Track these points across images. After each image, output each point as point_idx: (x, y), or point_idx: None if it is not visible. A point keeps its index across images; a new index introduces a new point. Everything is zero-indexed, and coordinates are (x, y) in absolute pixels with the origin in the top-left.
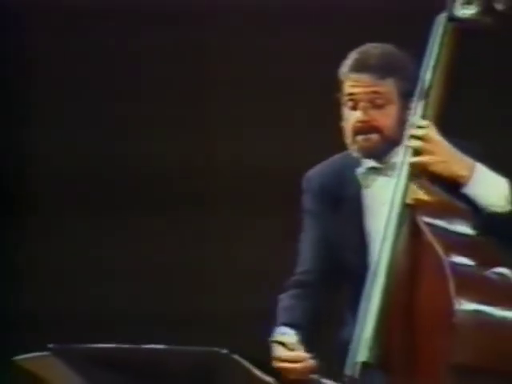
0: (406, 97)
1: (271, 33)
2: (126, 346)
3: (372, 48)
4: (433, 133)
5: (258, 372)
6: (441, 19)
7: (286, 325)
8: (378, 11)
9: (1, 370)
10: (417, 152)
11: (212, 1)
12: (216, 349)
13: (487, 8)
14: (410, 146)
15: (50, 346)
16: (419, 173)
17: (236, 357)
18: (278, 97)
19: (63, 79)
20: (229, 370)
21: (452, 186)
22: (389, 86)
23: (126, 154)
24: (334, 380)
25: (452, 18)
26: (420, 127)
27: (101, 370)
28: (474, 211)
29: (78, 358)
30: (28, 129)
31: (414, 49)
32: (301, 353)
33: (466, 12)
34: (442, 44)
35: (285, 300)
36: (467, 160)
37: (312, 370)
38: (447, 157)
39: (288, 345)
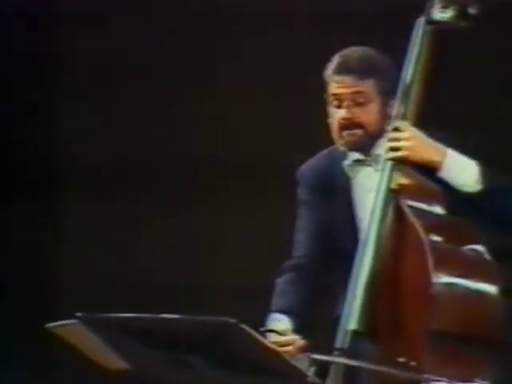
0: (385, 94)
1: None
2: (146, 315)
3: (352, 52)
4: (407, 129)
5: (263, 340)
6: (420, 22)
7: (279, 311)
8: (367, 15)
9: (37, 336)
10: (395, 149)
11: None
12: (226, 318)
13: (462, 12)
14: (388, 146)
15: (78, 314)
16: (400, 164)
17: (244, 326)
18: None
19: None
20: (237, 338)
21: (429, 171)
22: (369, 86)
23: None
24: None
25: (430, 21)
26: (395, 129)
27: (123, 337)
28: (450, 193)
29: (102, 325)
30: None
31: (397, 50)
32: (291, 336)
33: (443, 16)
34: (421, 45)
35: (280, 285)
36: (439, 147)
37: (302, 349)
38: (421, 147)
39: (279, 332)
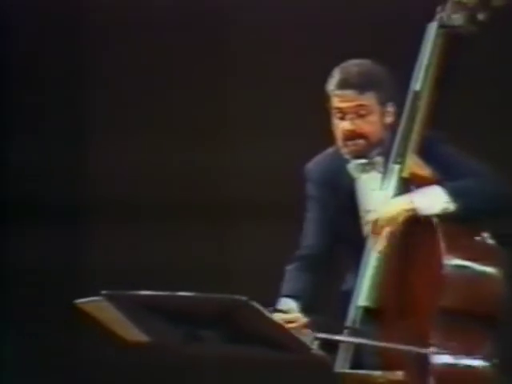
0: (385, 104)
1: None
2: (164, 293)
3: (352, 66)
4: (375, 214)
5: (271, 316)
6: (432, 26)
7: (288, 296)
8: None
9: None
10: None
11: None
12: (237, 296)
13: (471, 18)
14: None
15: (103, 292)
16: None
17: (253, 303)
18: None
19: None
20: (247, 314)
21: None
22: (369, 99)
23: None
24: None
25: (442, 26)
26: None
27: (143, 313)
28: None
29: (124, 302)
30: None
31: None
32: (295, 314)
33: (454, 20)
34: (433, 48)
35: (290, 272)
36: (403, 199)
37: (306, 326)
38: (393, 215)
39: (284, 311)
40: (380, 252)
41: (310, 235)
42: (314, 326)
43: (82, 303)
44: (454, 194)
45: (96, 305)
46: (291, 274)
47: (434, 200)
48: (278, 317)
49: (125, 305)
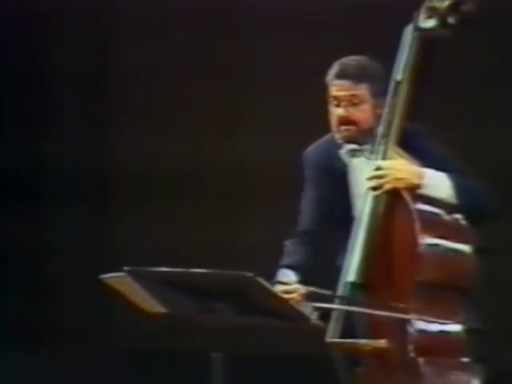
0: (377, 96)
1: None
2: (180, 269)
3: (350, 60)
4: (387, 165)
5: (275, 290)
6: (408, 30)
7: (287, 267)
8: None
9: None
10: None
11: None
12: (244, 272)
13: (443, 22)
14: (373, 185)
15: (126, 268)
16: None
17: (259, 279)
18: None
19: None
20: (254, 288)
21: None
22: (363, 89)
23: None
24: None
25: (417, 29)
26: (378, 168)
27: (162, 287)
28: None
29: (144, 277)
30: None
31: (389, 52)
32: (294, 286)
33: (427, 24)
34: (409, 49)
35: (288, 246)
36: (418, 170)
37: (304, 296)
38: (403, 176)
39: (285, 282)
40: (367, 232)
41: (306, 212)
42: (312, 296)
43: (106, 278)
44: (458, 189)
45: (119, 280)
46: (290, 248)
47: (440, 184)
48: (278, 288)
49: (145, 280)
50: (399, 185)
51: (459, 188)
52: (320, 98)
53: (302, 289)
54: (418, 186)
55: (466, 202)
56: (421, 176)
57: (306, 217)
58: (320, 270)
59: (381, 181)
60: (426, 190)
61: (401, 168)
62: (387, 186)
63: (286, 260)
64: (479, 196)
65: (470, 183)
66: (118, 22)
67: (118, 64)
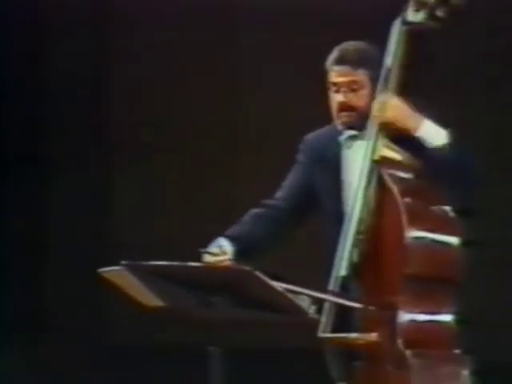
0: (375, 81)
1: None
2: (177, 263)
3: (349, 46)
4: (390, 99)
5: (273, 284)
6: (396, 23)
7: (225, 237)
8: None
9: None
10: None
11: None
12: (242, 266)
13: (431, 15)
14: (377, 108)
15: (123, 262)
16: (383, 130)
17: (257, 272)
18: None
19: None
20: (251, 282)
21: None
22: (362, 75)
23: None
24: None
25: (405, 22)
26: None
27: (159, 280)
28: (421, 158)
29: (141, 271)
30: None
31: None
32: (220, 258)
33: (415, 17)
34: (397, 41)
35: (247, 215)
36: (418, 116)
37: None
38: (403, 113)
39: (213, 253)
40: (357, 226)
41: (283, 191)
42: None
43: (104, 272)
44: (452, 144)
45: (117, 274)
46: (244, 218)
47: (436, 133)
48: (206, 259)
49: (142, 274)
50: (397, 120)
51: (453, 144)
52: (321, 99)
53: (227, 262)
54: (413, 131)
55: (457, 156)
56: (419, 121)
57: (281, 193)
58: (320, 271)
59: (384, 107)
60: (427, 136)
61: (404, 107)
62: (387, 114)
63: (231, 229)
64: (469, 158)
65: (461, 149)
66: (117, 22)
67: (118, 64)
